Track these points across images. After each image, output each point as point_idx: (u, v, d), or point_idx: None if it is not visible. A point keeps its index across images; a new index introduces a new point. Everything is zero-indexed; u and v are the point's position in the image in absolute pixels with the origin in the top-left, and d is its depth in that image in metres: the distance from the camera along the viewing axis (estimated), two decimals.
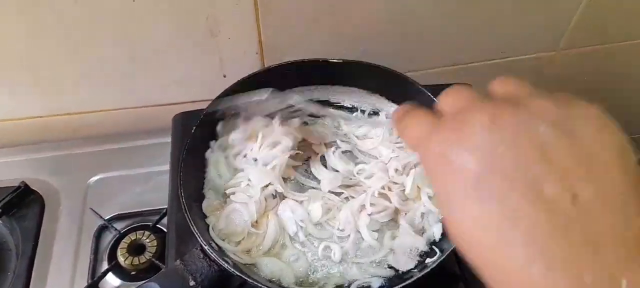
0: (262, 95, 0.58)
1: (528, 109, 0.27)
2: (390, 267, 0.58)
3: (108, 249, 0.73)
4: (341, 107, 0.73)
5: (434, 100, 0.65)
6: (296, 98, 0.62)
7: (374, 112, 0.73)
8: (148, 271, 0.70)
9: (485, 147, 0.27)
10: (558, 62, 0.97)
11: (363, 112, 0.73)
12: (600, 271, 0.23)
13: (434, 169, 0.29)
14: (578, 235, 0.24)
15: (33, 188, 0.77)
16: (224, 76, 0.82)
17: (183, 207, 0.54)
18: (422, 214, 0.62)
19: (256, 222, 0.60)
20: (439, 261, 0.53)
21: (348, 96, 0.73)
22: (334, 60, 0.69)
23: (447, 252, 0.53)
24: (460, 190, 0.27)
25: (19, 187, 0.75)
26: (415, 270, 0.57)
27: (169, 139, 0.75)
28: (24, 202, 0.76)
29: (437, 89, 0.65)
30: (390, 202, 0.62)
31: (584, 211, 0.24)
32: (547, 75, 0.99)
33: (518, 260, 0.25)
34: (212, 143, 0.67)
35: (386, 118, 0.71)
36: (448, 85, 0.83)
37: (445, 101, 0.32)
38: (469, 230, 0.27)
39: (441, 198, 0.29)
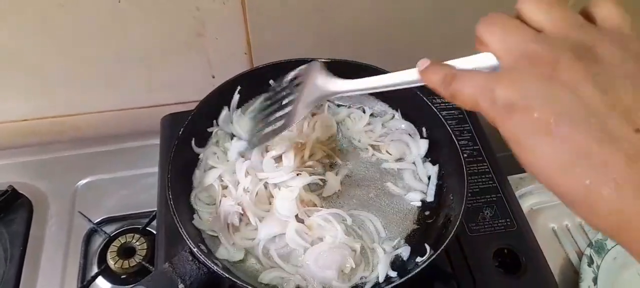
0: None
1: (591, 53, 0.29)
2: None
3: (98, 253, 0.73)
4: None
5: (422, 98, 0.65)
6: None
7: (363, 110, 0.73)
8: (138, 274, 0.70)
9: (549, 94, 0.29)
10: None
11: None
12: None
13: (500, 117, 0.31)
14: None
15: (21, 192, 0.76)
16: (213, 77, 0.82)
17: (171, 209, 0.54)
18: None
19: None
20: (429, 260, 0.53)
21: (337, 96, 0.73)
22: (323, 60, 0.68)
23: (438, 252, 0.53)
24: (531, 132, 0.29)
25: (6, 191, 0.75)
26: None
27: (157, 141, 0.75)
28: (12, 206, 0.75)
29: (428, 89, 0.66)
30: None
31: None
32: None
33: (589, 188, 0.28)
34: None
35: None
36: None
37: (491, 39, 0.33)
38: (542, 167, 0.29)
39: (513, 141, 0.31)
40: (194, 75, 0.81)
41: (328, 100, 0.72)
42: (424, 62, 0.38)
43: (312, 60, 0.68)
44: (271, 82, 0.59)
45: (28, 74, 0.76)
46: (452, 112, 0.78)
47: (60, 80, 0.78)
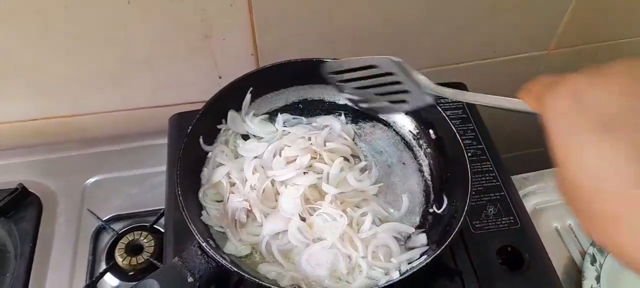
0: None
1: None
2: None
3: (106, 250, 0.74)
4: (336, 105, 0.74)
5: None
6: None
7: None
8: (146, 271, 0.71)
9: (621, 92, 0.29)
10: (549, 61, 0.98)
11: (357, 110, 0.74)
12: None
13: (560, 106, 0.31)
14: None
15: (30, 190, 0.78)
16: (219, 77, 0.83)
17: (180, 205, 0.55)
18: None
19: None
20: (434, 256, 0.53)
21: (342, 95, 0.74)
22: (328, 60, 0.69)
23: (442, 248, 0.53)
24: (587, 127, 0.29)
25: (16, 189, 0.76)
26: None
27: (164, 141, 0.76)
28: (22, 204, 0.76)
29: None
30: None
31: None
32: (538, 74, 1.00)
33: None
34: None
35: None
36: (440, 84, 0.83)
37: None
38: (589, 165, 0.29)
39: (560, 135, 0.31)
40: (200, 76, 0.82)
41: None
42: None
43: (317, 60, 0.70)
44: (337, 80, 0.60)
45: (36, 75, 0.77)
46: (457, 111, 0.78)
47: (67, 80, 0.79)
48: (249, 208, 0.61)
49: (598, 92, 0.30)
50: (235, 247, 0.58)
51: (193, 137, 0.63)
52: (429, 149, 0.70)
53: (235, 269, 0.52)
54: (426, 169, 0.69)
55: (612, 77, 0.30)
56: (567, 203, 0.31)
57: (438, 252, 0.54)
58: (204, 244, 0.52)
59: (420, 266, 0.54)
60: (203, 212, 0.61)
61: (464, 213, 0.56)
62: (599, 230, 0.30)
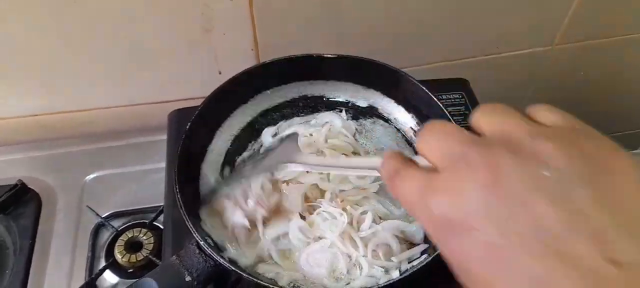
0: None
1: (534, 155, 0.23)
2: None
3: (105, 247, 0.73)
4: (336, 102, 0.74)
5: (428, 94, 0.65)
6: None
7: (370, 106, 0.73)
8: (145, 268, 0.71)
9: (493, 210, 0.23)
10: (553, 58, 0.97)
11: (358, 106, 0.73)
12: None
13: (439, 236, 0.26)
14: None
15: (30, 186, 0.77)
16: (219, 73, 0.83)
17: (178, 202, 0.54)
18: None
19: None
20: (435, 254, 0.53)
21: (343, 91, 0.73)
22: (329, 55, 0.69)
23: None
24: (478, 262, 0.24)
25: (15, 185, 0.75)
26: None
27: (164, 137, 0.75)
28: (21, 201, 0.76)
29: (432, 84, 0.67)
30: None
31: (631, 277, 0.20)
32: (542, 71, 0.99)
33: None
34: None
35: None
36: (443, 80, 0.82)
37: (428, 147, 0.28)
38: (478, 272, 0.24)
39: (455, 267, 0.26)
40: (200, 71, 0.82)
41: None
42: (387, 154, 0.34)
43: (318, 56, 0.69)
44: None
45: (36, 70, 0.77)
46: (459, 107, 0.78)
47: (68, 76, 0.79)
48: (249, 228, 0.59)
49: (472, 221, 0.24)
50: (237, 253, 0.58)
51: (192, 135, 0.62)
52: None
53: (234, 268, 0.51)
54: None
55: (476, 197, 0.24)
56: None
57: (436, 252, 0.53)
58: (202, 243, 0.52)
59: (421, 265, 0.53)
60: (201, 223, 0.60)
61: None
62: None
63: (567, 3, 0.88)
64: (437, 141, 0.28)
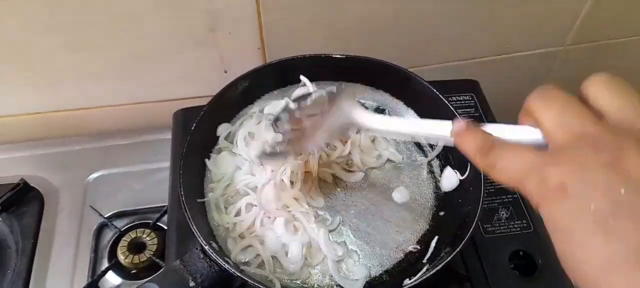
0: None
1: None
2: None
3: (108, 247, 0.72)
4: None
5: (438, 95, 0.64)
6: None
7: (378, 108, 0.72)
8: (148, 269, 0.70)
9: (611, 186, 0.26)
10: (565, 58, 0.96)
11: (366, 108, 0.72)
12: None
13: (551, 201, 0.28)
14: None
15: (32, 185, 0.76)
16: (225, 72, 0.81)
17: (183, 206, 0.53)
18: None
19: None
20: (446, 261, 0.52)
21: (351, 92, 0.72)
22: (337, 56, 0.67)
23: (454, 253, 0.51)
24: (583, 225, 0.26)
25: (18, 184, 0.75)
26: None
27: (169, 136, 0.74)
28: (23, 200, 0.75)
29: (442, 85, 0.65)
30: None
31: None
32: (554, 71, 0.98)
33: None
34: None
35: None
36: (453, 81, 0.81)
37: (547, 116, 0.30)
38: (592, 266, 0.26)
39: (557, 231, 0.28)
40: (206, 69, 0.80)
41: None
42: (459, 125, 0.36)
43: (325, 55, 0.68)
44: (290, 103, 0.55)
45: (39, 67, 0.76)
46: (468, 109, 0.76)
47: (71, 73, 0.78)
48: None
49: (587, 188, 0.27)
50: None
51: (197, 137, 0.61)
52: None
53: (239, 274, 0.50)
54: (437, 170, 0.67)
55: (597, 170, 0.27)
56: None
57: (449, 258, 0.52)
58: (206, 247, 0.51)
59: (431, 273, 0.52)
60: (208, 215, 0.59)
61: (477, 219, 0.54)
62: None
63: (580, 2, 0.86)
64: (560, 111, 0.30)
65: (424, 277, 0.52)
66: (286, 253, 0.57)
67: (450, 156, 0.66)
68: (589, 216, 0.26)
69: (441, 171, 0.66)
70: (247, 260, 0.57)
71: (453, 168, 0.64)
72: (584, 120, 0.29)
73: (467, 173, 0.61)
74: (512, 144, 0.32)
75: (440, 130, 0.39)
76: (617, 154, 0.27)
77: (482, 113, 0.76)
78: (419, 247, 0.60)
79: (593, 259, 0.26)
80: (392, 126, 0.45)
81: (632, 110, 0.29)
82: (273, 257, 0.58)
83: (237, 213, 0.60)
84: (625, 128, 0.28)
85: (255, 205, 0.60)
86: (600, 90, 0.30)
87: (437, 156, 0.67)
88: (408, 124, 0.45)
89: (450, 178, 0.64)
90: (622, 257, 0.25)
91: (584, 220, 0.26)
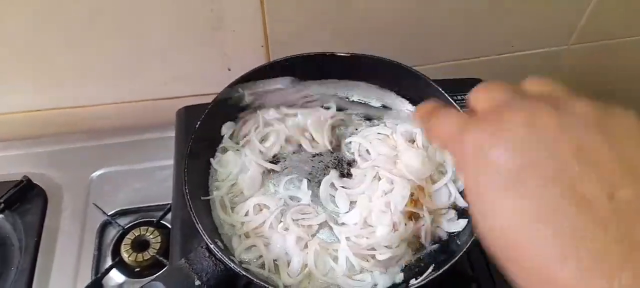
0: (282, 83, 0.57)
1: (567, 111, 0.27)
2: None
3: (112, 245, 0.72)
4: (349, 102, 0.72)
5: (443, 94, 0.63)
6: (315, 88, 0.63)
7: (383, 106, 0.71)
8: (152, 267, 0.70)
9: (524, 145, 0.27)
10: (569, 57, 0.95)
11: (371, 106, 0.71)
12: (634, 270, 0.22)
13: (468, 163, 0.29)
14: (613, 234, 0.23)
15: (35, 182, 0.76)
16: (229, 69, 0.81)
17: (188, 204, 0.53)
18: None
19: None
20: (452, 263, 0.51)
21: (356, 90, 0.71)
22: (342, 54, 0.67)
23: (460, 254, 0.51)
24: (494, 184, 0.27)
25: (21, 181, 0.74)
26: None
27: (172, 133, 0.74)
28: (27, 197, 0.75)
29: (447, 83, 0.65)
30: None
31: (621, 210, 0.24)
32: (558, 70, 0.97)
33: (550, 257, 0.24)
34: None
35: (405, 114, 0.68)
36: (458, 80, 0.81)
37: (478, 97, 0.32)
38: (501, 225, 0.27)
39: (473, 192, 0.29)
40: (210, 67, 0.80)
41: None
42: (425, 102, 0.38)
43: (331, 54, 0.67)
44: None
45: (43, 64, 0.76)
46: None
47: (74, 71, 0.77)
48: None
49: (499, 149, 0.27)
50: None
51: (200, 135, 0.61)
52: None
53: (245, 273, 0.50)
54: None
55: (510, 130, 0.28)
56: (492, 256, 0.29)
57: (455, 258, 0.52)
58: (212, 246, 0.51)
59: (437, 274, 0.51)
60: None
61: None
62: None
63: (584, 2, 0.86)
64: (488, 93, 0.31)
65: (430, 278, 0.51)
66: (288, 264, 0.57)
67: None
68: (501, 176, 0.27)
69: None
70: (249, 259, 0.56)
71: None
72: (507, 92, 0.30)
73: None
74: (448, 110, 0.34)
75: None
76: (531, 113, 0.27)
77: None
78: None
79: (502, 218, 0.26)
80: None
81: (546, 86, 0.31)
82: (274, 262, 0.57)
83: (246, 214, 0.60)
84: (541, 95, 0.30)
85: (265, 206, 0.60)
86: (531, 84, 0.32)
87: None
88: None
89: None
90: (529, 213, 0.25)
91: (497, 180, 0.27)
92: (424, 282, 0.51)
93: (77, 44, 0.73)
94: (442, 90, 0.64)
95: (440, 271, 0.51)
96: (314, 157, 0.66)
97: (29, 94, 0.80)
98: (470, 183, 0.29)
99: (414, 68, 0.66)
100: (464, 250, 0.52)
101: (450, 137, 0.32)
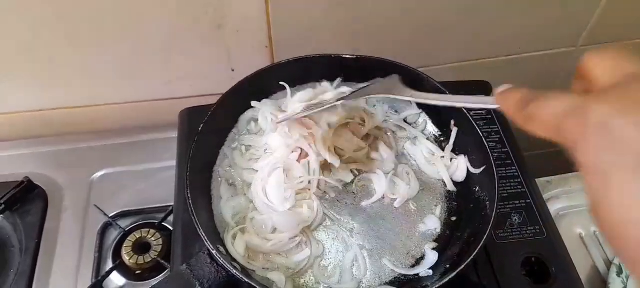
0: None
1: None
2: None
3: (112, 247, 0.71)
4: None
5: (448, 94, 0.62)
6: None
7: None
8: (153, 270, 0.69)
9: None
10: (577, 59, 0.93)
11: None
12: None
13: (589, 140, 0.27)
14: None
15: (36, 183, 0.75)
16: (232, 70, 0.80)
17: (190, 209, 0.52)
18: None
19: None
20: (458, 271, 0.50)
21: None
22: (347, 56, 0.66)
23: (466, 262, 0.50)
24: (623, 168, 0.25)
25: (22, 182, 0.74)
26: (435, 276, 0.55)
27: (175, 134, 0.73)
28: (28, 198, 0.74)
29: (454, 87, 0.64)
30: None
31: None
32: (566, 73, 0.96)
33: None
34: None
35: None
36: (464, 83, 0.80)
37: (599, 66, 0.30)
38: (630, 216, 0.24)
39: (593, 176, 0.27)
40: (213, 68, 0.79)
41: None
42: (504, 86, 0.36)
43: (336, 56, 0.66)
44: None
45: (44, 64, 0.75)
46: (480, 112, 0.75)
47: (76, 71, 0.76)
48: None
49: (628, 125, 0.25)
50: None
51: (203, 138, 0.60)
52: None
53: (247, 280, 0.49)
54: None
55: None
56: (609, 243, 0.27)
57: (463, 266, 0.51)
58: (214, 252, 0.50)
59: (444, 282, 0.50)
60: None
61: (490, 226, 0.53)
62: None
63: (594, 2, 0.84)
64: (613, 60, 0.29)
65: (436, 286, 0.50)
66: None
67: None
68: (629, 157, 0.24)
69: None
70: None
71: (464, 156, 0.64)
72: (635, 63, 0.28)
73: (480, 170, 0.60)
74: (549, 94, 0.31)
75: (483, 101, 0.42)
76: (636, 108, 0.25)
77: (493, 115, 0.75)
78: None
79: (631, 206, 0.24)
80: (430, 99, 0.49)
81: None
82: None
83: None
84: None
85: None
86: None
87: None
88: (450, 98, 0.49)
89: (461, 168, 0.63)
90: None
91: (624, 162, 0.25)
92: None
93: (78, 44, 0.72)
94: (449, 92, 0.62)
95: (444, 280, 0.50)
96: None
97: (30, 94, 0.79)
98: (590, 162, 0.27)
99: (418, 69, 0.65)
100: (472, 257, 0.51)
101: (565, 116, 0.29)
